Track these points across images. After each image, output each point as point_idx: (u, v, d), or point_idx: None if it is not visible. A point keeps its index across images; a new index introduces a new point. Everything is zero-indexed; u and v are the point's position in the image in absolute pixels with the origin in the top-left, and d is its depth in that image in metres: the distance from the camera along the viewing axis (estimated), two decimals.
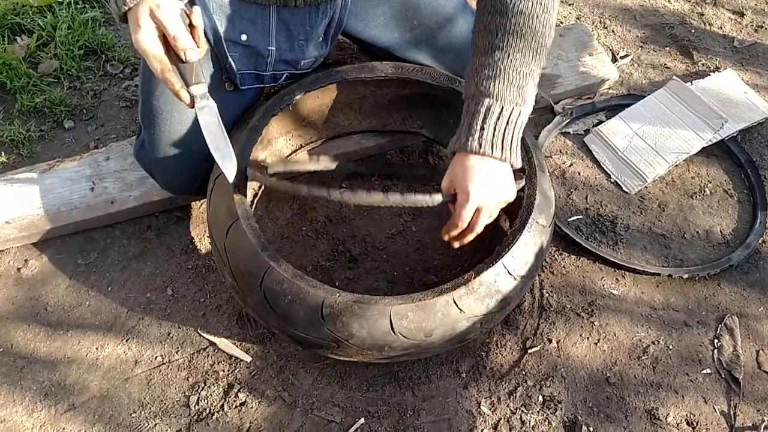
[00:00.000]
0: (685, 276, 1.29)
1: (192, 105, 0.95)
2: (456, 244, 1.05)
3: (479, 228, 1.00)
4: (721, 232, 1.40)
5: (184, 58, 0.90)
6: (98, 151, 1.41)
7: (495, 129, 0.95)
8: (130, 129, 1.52)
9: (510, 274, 1.06)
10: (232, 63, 1.16)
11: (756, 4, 1.91)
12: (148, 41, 0.89)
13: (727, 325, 1.25)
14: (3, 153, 1.46)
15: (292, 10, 1.15)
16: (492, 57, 0.96)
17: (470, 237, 1.03)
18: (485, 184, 0.95)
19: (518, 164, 0.99)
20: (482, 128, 0.95)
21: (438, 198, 1.00)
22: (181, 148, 1.19)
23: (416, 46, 1.31)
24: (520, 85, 0.96)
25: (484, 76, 0.96)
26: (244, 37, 1.16)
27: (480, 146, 0.94)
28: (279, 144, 1.41)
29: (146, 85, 1.18)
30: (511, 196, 1.00)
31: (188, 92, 0.94)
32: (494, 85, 0.95)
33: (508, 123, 0.95)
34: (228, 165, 0.98)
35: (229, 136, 1.02)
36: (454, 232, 1.01)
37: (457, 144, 0.97)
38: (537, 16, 0.97)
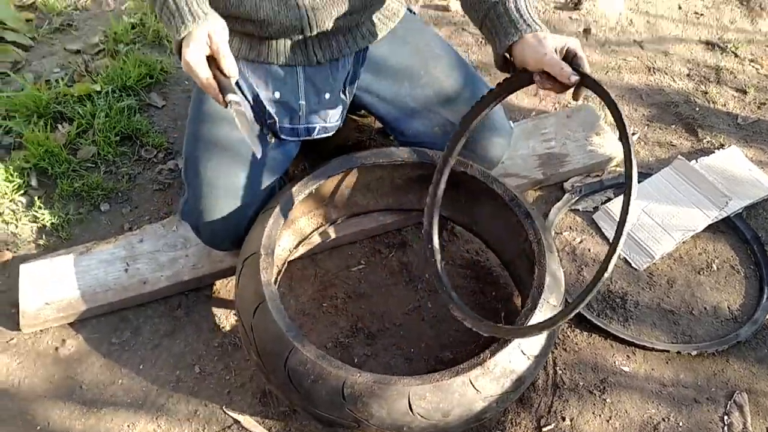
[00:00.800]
0: (694, 352, 1.33)
1: (226, 105, 1.09)
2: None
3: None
4: (728, 307, 1.44)
5: (227, 74, 1.10)
6: (132, 233, 1.50)
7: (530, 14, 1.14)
8: (162, 211, 1.62)
9: (524, 353, 1.12)
10: (272, 117, 1.34)
11: (758, 82, 1.99)
12: (201, 55, 1.08)
13: (737, 402, 1.28)
14: (44, 236, 1.56)
15: (315, 67, 1.34)
16: None
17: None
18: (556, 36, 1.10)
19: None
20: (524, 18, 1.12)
21: None
22: (223, 199, 1.29)
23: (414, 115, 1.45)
24: None
25: None
26: (277, 95, 1.34)
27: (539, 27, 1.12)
28: (302, 223, 1.49)
29: (190, 146, 1.34)
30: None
31: (225, 99, 1.10)
32: None
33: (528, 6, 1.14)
34: (257, 148, 1.10)
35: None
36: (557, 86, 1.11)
37: (513, 37, 1.11)
38: None
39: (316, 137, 1.39)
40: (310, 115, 1.36)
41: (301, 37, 1.28)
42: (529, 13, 1.13)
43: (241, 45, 1.31)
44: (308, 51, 1.31)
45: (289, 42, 1.30)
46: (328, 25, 1.26)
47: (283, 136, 1.37)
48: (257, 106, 1.35)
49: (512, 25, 1.12)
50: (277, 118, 1.34)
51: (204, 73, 1.08)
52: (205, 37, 1.08)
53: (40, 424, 1.26)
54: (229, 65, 1.09)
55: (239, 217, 1.31)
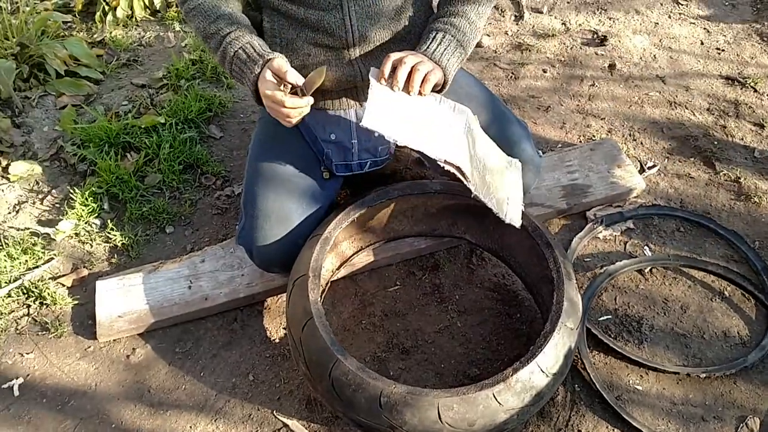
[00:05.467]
0: (703, 375, 1.44)
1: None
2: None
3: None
4: (738, 333, 1.54)
5: (304, 93, 1.27)
6: (195, 254, 1.68)
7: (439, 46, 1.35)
8: (221, 233, 1.80)
9: (543, 371, 1.24)
10: (327, 156, 1.52)
11: None
12: (274, 87, 1.27)
13: (748, 425, 1.38)
14: (115, 255, 1.75)
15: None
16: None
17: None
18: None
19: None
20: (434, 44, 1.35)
21: None
22: (276, 227, 1.45)
23: None
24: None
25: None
26: (333, 136, 1.51)
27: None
28: (343, 246, 1.65)
29: (250, 180, 1.51)
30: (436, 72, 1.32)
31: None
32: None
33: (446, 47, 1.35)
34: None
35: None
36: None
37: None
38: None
39: (367, 171, 1.56)
40: (362, 152, 1.53)
41: (353, 86, 1.45)
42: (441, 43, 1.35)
43: None
44: (359, 97, 1.47)
45: (342, 90, 1.47)
46: None
47: (337, 173, 1.54)
48: (315, 146, 1.52)
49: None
50: (332, 157, 1.51)
51: (281, 97, 1.26)
52: (272, 74, 1.27)
53: (114, 422, 1.44)
54: (294, 77, 1.27)
55: (289, 244, 1.47)
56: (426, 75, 1.29)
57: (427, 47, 1.34)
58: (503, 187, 1.42)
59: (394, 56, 1.29)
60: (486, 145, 1.46)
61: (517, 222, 1.40)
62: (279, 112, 1.29)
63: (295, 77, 1.26)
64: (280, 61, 1.27)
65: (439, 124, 1.34)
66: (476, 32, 1.41)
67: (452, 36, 1.36)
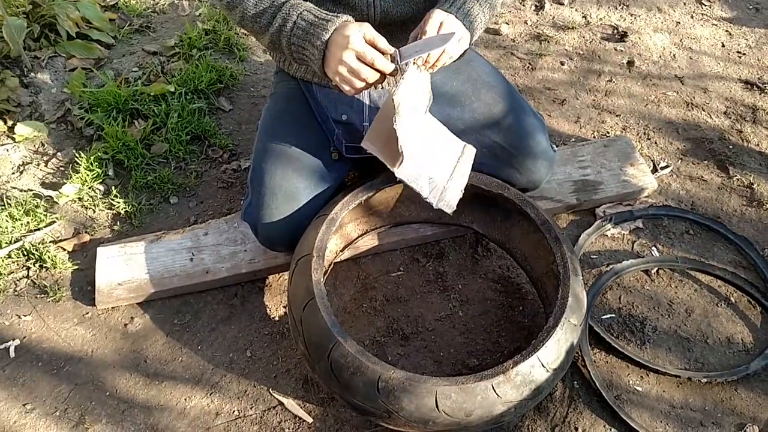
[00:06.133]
0: (704, 380, 1.43)
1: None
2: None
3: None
4: (741, 340, 1.53)
5: (387, 51, 1.22)
6: (198, 226, 1.66)
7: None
8: (225, 207, 1.78)
9: (543, 366, 1.23)
10: (338, 137, 1.49)
11: None
12: (363, 44, 1.19)
13: None
14: (118, 222, 1.74)
15: (380, 92, 1.48)
16: None
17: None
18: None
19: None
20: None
21: None
22: (282, 205, 1.43)
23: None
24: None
25: None
26: (344, 117, 1.49)
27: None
28: (349, 228, 1.63)
29: (259, 156, 1.49)
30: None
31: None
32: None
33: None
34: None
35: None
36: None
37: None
38: None
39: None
40: None
41: None
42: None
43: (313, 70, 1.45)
44: None
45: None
46: None
47: (346, 154, 1.51)
48: (326, 126, 1.50)
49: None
50: (343, 138, 1.49)
51: (371, 53, 1.19)
52: (357, 27, 1.20)
53: (108, 390, 1.43)
54: (386, 44, 1.22)
55: (294, 223, 1.45)
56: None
57: (452, 3, 1.29)
58: (445, 175, 1.43)
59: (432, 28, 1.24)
60: (439, 131, 1.46)
61: (449, 208, 1.40)
62: (358, 72, 1.21)
63: (386, 44, 1.22)
64: (370, 27, 1.22)
65: (420, 98, 1.35)
66: (493, 4, 1.37)
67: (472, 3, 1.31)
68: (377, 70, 1.22)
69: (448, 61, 1.27)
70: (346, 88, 1.24)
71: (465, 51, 1.33)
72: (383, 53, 1.21)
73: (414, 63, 1.24)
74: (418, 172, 1.37)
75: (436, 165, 1.41)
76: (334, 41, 1.21)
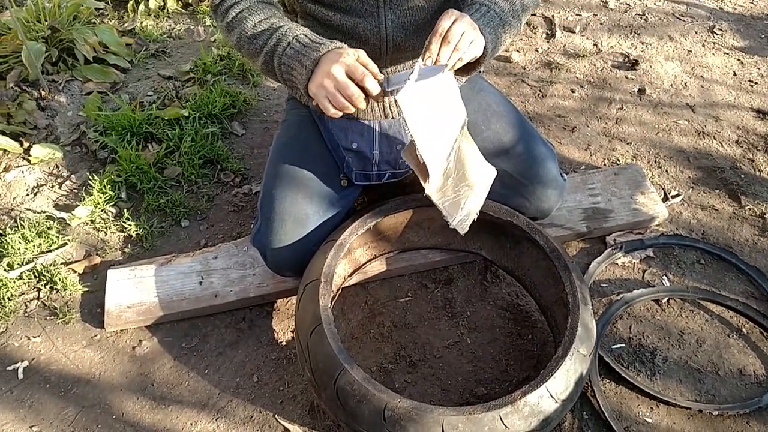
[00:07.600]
0: (715, 413, 1.40)
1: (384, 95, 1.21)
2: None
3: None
4: (754, 372, 1.50)
5: (377, 77, 1.18)
6: (208, 250, 1.67)
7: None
8: (235, 230, 1.79)
9: (552, 397, 1.21)
10: (347, 164, 1.50)
11: None
12: (354, 64, 1.15)
13: None
14: (129, 245, 1.75)
15: (390, 121, 1.48)
16: None
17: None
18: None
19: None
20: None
21: None
22: (291, 230, 1.44)
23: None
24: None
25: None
26: (354, 145, 1.49)
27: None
28: (357, 253, 1.63)
29: (270, 182, 1.49)
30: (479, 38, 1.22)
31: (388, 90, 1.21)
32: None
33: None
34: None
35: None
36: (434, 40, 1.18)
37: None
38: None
39: (385, 182, 1.54)
40: (382, 164, 1.52)
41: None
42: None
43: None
44: (384, 107, 1.46)
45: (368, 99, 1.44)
46: None
47: (356, 182, 1.53)
48: (336, 153, 1.51)
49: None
50: (352, 166, 1.50)
51: (362, 70, 1.15)
52: (353, 52, 1.17)
53: (115, 413, 1.43)
54: (376, 69, 1.18)
55: (303, 248, 1.46)
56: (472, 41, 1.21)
57: (477, 9, 1.26)
58: (469, 199, 1.39)
59: (444, 25, 1.19)
60: (472, 155, 1.42)
61: (462, 229, 1.36)
62: (344, 86, 1.15)
63: (377, 69, 1.18)
64: (364, 52, 1.18)
65: (448, 114, 1.29)
66: (518, 21, 1.34)
67: (495, 13, 1.28)
68: (363, 90, 1.17)
69: (458, 64, 1.21)
70: (327, 104, 1.18)
71: (477, 64, 1.28)
72: (373, 76, 1.18)
73: (421, 59, 1.20)
74: (452, 195, 1.34)
75: (470, 190, 1.39)
76: (326, 57, 1.17)
